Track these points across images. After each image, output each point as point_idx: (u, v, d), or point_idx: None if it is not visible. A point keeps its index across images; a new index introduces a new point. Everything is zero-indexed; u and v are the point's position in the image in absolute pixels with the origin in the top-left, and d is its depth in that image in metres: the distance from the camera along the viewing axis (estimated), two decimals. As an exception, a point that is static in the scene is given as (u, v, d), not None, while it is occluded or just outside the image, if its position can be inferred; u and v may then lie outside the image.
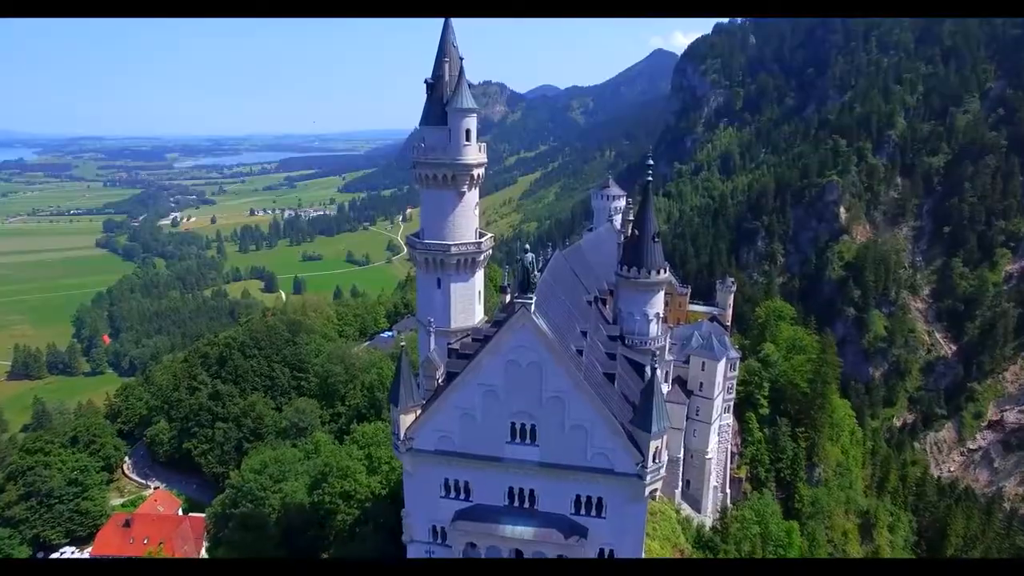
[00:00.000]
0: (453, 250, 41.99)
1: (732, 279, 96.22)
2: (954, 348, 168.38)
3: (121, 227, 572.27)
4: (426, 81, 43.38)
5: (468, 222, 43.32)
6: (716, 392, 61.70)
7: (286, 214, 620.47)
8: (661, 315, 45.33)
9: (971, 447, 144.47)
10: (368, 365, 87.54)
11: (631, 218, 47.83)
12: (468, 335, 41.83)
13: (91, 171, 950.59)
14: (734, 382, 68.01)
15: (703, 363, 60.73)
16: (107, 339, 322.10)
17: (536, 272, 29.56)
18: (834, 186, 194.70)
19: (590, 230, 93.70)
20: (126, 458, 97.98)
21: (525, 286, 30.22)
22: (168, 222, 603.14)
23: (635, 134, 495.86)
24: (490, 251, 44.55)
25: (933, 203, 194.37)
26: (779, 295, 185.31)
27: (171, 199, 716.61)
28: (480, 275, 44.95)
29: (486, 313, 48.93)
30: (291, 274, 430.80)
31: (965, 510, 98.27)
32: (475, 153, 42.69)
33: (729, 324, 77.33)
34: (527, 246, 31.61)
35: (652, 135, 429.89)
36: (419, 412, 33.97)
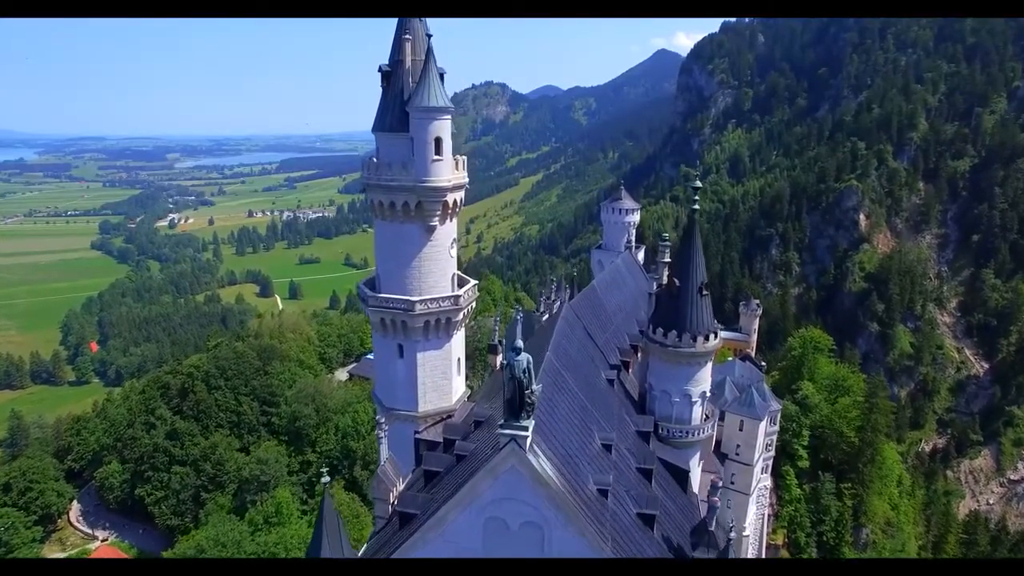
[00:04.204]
0: (419, 308, 30.26)
1: (757, 301, 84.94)
2: (986, 366, 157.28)
3: (117, 229, 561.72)
4: (381, 69, 31.24)
5: (441, 268, 31.36)
6: (756, 456, 50.39)
7: (284, 215, 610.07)
8: (708, 393, 33.63)
9: (1012, 478, 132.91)
10: (343, 406, 76.44)
11: (665, 259, 35.90)
12: (443, 418, 30.66)
13: (91, 171, 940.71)
14: (774, 437, 56.76)
15: (741, 422, 49.35)
16: (95, 346, 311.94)
17: (534, 385, 18.15)
18: (853, 191, 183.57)
19: (599, 246, 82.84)
20: (74, 502, 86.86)
21: (516, 408, 18.43)
22: (165, 224, 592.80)
23: (639, 135, 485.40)
24: (473, 304, 32.98)
25: (958, 209, 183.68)
26: (795, 306, 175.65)
27: (170, 200, 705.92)
28: (459, 338, 33.31)
29: (471, 378, 37.82)
30: (288, 278, 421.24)
31: None
32: (449, 171, 30.70)
33: (763, 364, 65.95)
34: (518, 342, 18.36)
35: (656, 136, 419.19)
36: None
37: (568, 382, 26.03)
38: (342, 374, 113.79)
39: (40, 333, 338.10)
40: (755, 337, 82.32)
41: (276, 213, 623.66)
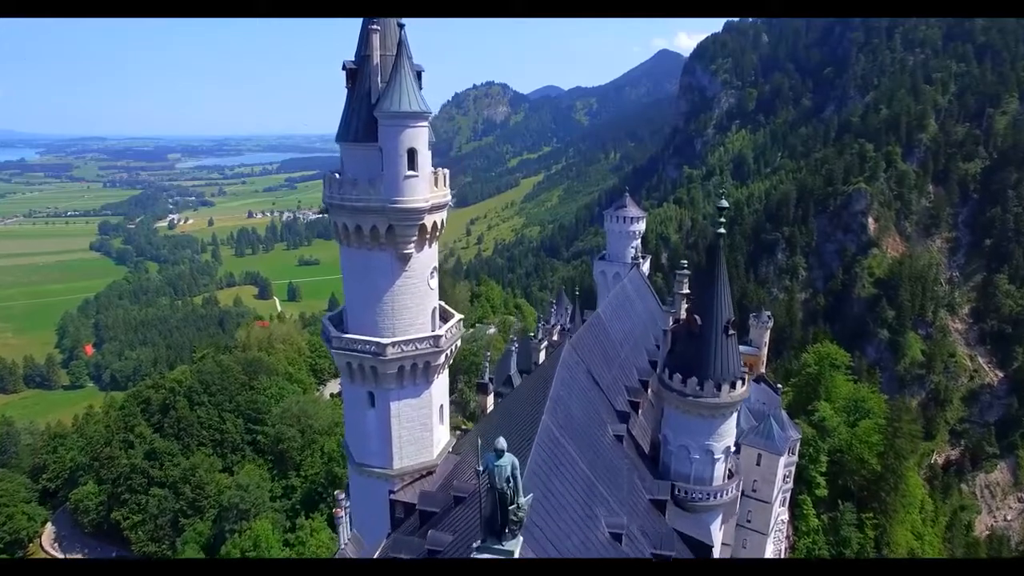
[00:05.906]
0: (391, 352, 25.38)
1: (769, 313, 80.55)
2: (1000, 375, 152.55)
3: (117, 229, 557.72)
4: (345, 66, 26.32)
5: (418, 303, 26.51)
6: (775, 492, 45.87)
7: (284, 216, 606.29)
8: (732, 448, 28.86)
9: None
10: (329, 426, 72.08)
11: (684, 290, 31.26)
12: (424, 474, 26.26)
13: (92, 171, 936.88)
14: (793, 468, 52.26)
15: (759, 456, 44.82)
16: (90, 350, 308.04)
17: (520, 499, 13.59)
18: (862, 194, 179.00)
19: (602, 257, 78.75)
20: (48, 525, 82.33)
21: (498, 527, 13.77)
22: (165, 224, 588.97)
23: (640, 136, 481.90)
24: (457, 344, 28.23)
25: (969, 213, 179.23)
26: (802, 313, 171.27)
27: (170, 201, 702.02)
28: (442, 382, 28.51)
29: (466, 393, 33.36)
30: (287, 279, 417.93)
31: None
32: (426, 188, 25.69)
33: (779, 387, 61.33)
34: (500, 443, 13.36)
35: (658, 137, 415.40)
36: None
37: (569, 451, 21.44)
38: (335, 386, 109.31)
39: (36, 335, 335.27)
40: (766, 350, 78.06)
41: (276, 214, 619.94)
